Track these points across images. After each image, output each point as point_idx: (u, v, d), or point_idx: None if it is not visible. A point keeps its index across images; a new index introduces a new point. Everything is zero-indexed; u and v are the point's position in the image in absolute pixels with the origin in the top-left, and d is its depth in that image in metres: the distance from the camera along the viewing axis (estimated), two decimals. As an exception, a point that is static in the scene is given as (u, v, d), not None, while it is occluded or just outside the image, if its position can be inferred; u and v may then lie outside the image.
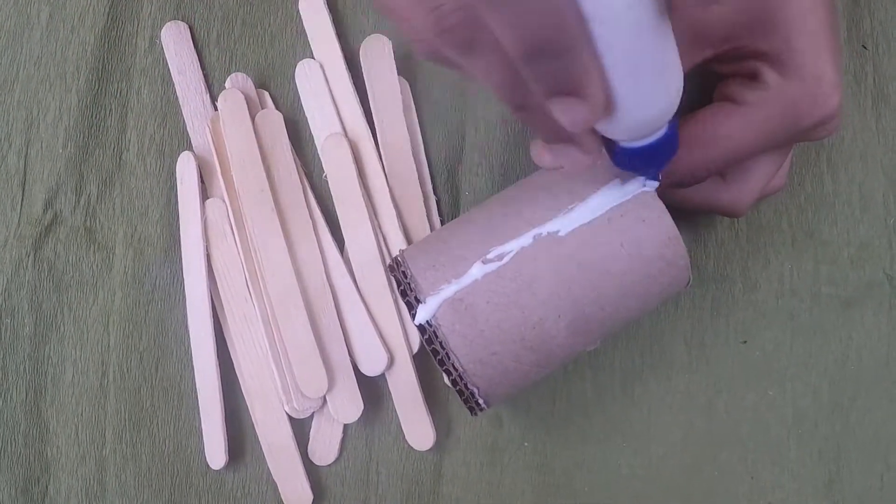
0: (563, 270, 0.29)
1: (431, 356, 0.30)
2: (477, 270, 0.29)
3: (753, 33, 0.30)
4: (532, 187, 0.31)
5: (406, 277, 0.30)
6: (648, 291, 0.30)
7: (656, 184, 0.30)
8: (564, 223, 0.29)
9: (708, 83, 0.33)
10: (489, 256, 0.29)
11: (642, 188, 0.29)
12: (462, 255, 0.29)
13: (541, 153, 0.30)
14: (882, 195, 0.39)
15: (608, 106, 0.23)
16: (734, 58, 0.31)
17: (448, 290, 0.29)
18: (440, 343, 0.29)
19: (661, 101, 0.24)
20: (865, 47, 0.39)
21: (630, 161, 0.27)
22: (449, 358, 0.29)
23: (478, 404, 0.30)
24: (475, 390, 0.30)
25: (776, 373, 0.38)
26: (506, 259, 0.29)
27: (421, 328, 0.29)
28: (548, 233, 0.29)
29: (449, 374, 0.29)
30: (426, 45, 0.21)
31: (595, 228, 0.29)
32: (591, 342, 0.31)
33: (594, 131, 0.26)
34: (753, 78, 0.30)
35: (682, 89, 0.25)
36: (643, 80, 0.22)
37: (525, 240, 0.29)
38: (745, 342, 0.38)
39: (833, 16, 0.30)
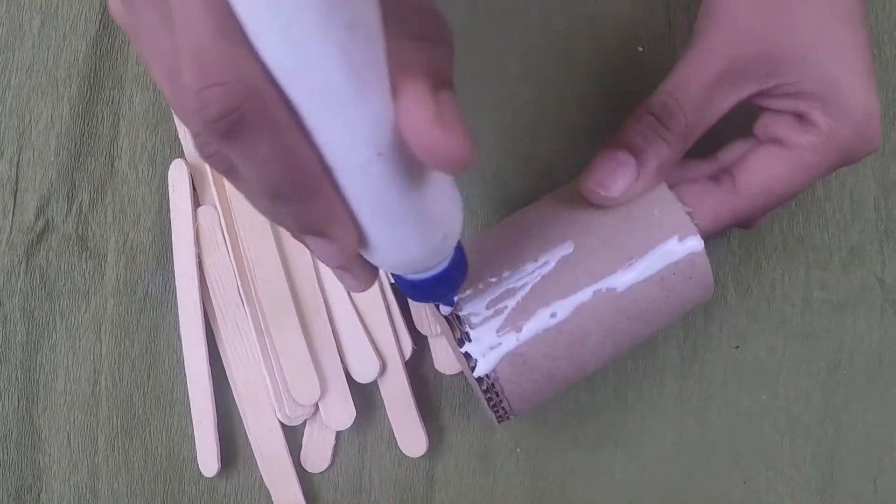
0: (615, 325, 0.30)
1: (484, 400, 0.30)
2: (539, 325, 0.29)
3: (794, 70, 0.30)
4: (588, 230, 0.30)
5: (461, 323, 0.29)
6: (673, 324, 0.32)
7: (701, 244, 0.30)
8: (622, 279, 0.29)
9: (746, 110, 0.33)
10: (551, 311, 0.29)
11: (693, 249, 0.30)
12: (524, 308, 0.29)
13: (594, 186, 0.31)
14: (873, 200, 0.39)
15: (361, 246, 0.22)
16: (779, 95, 0.31)
17: (509, 344, 0.29)
18: (496, 392, 0.29)
19: (422, 246, 0.23)
20: (856, 52, 0.40)
21: (409, 291, 0.26)
22: (501, 402, 0.30)
23: (507, 418, 0.31)
24: (512, 417, 0.31)
25: (769, 377, 0.38)
26: (566, 314, 0.29)
27: (479, 380, 0.29)
28: (607, 289, 0.29)
29: (495, 410, 0.30)
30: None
31: (649, 285, 0.29)
32: None
33: (364, 261, 0.24)
34: (801, 118, 0.30)
35: (457, 231, 0.24)
36: (398, 227, 0.21)
37: (585, 294, 0.29)
38: (738, 347, 0.38)
39: (870, 48, 0.30)
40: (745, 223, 0.32)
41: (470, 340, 0.29)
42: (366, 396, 0.38)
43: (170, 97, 0.19)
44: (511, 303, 0.29)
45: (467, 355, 0.29)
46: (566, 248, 0.30)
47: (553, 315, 0.29)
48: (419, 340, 0.38)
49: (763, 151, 0.31)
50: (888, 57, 0.39)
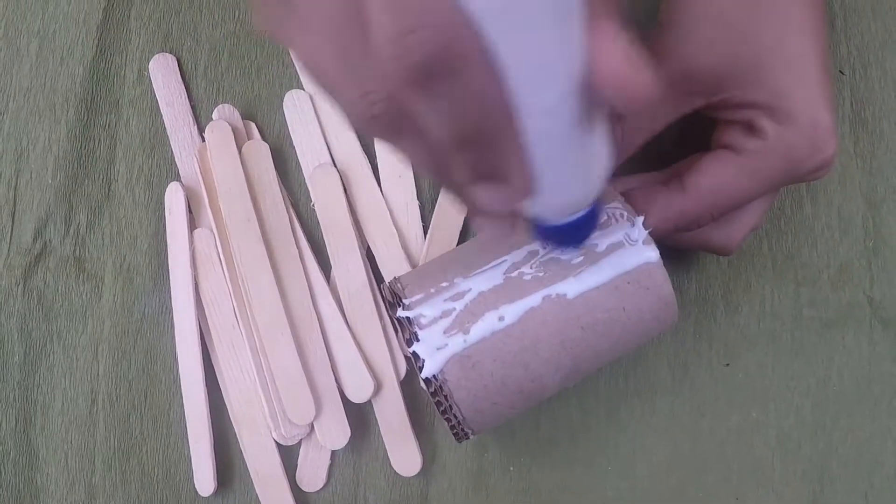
0: (568, 332, 0.29)
1: (434, 404, 0.30)
2: (486, 328, 0.29)
3: (744, 83, 0.30)
4: None
5: (411, 324, 0.30)
6: (638, 343, 0.32)
7: (656, 254, 0.30)
8: (574, 286, 0.29)
9: (705, 126, 0.33)
10: (499, 315, 0.29)
11: (648, 259, 0.30)
12: (472, 311, 0.29)
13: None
14: (861, 218, 0.39)
15: (532, 190, 0.23)
16: (728, 107, 0.31)
17: (456, 346, 0.29)
18: (444, 396, 0.29)
19: (582, 188, 0.24)
20: (842, 72, 0.40)
21: (550, 237, 0.28)
22: (451, 409, 0.29)
23: (466, 436, 0.31)
24: (469, 431, 0.31)
25: (759, 394, 0.38)
26: (515, 318, 0.29)
27: (427, 381, 0.29)
28: (557, 294, 0.29)
29: (448, 420, 0.30)
30: (356, 123, 0.21)
31: (602, 293, 0.29)
32: (577, 382, 0.32)
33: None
34: (750, 127, 0.31)
35: (606, 174, 0.25)
36: (566, 169, 0.23)
37: (534, 299, 0.29)
38: (728, 364, 0.38)
39: (827, 62, 0.31)
40: (695, 225, 0.32)
41: (418, 340, 0.29)
42: (360, 416, 0.38)
43: (326, 58, 0.19)
44: (459, 305, 0.29)
45: (415, 355, 0.29)
46: (516, 256, 0.30)
47: (501, 318, 0.29)
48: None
49: (713, 155, 0.32)
50: (873, 77, 0.40)
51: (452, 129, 0.19)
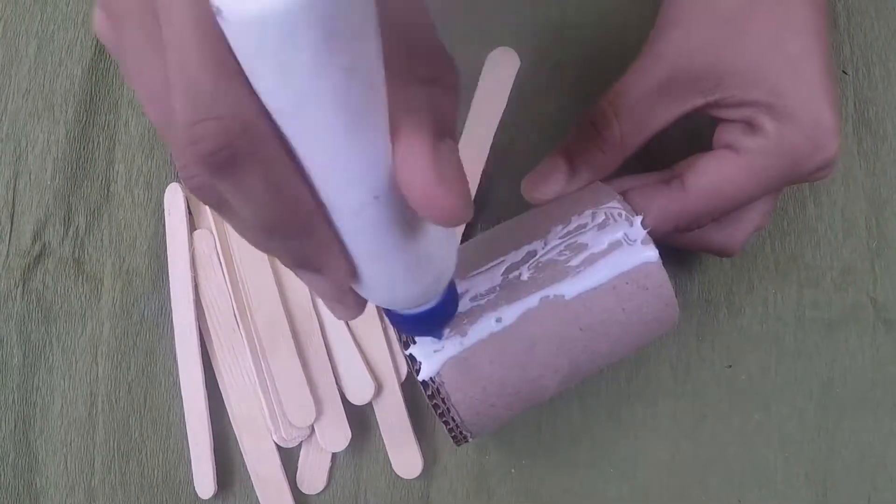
0: (566, 334, 0.29)
1: (431, 407, 0.30)
2: (484, 330, 0.29)
3: (744, 82, 0.30)
4: (538, 238, 0.31)
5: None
6: (639, 345, 0.31)
7: (655, 253, 0.30)
8: (572, 287, 0.29)
9: (705, 126, 0.33)
10: (497, 316, 0.29)
11: (647, 258, 0.29)
12: (469, 313, 0.29)
13: (529, 188, 0.31)
14: (864, 219, 0.39)
15: (354, 282, 0.22)
16: (728, 105, 0.31)
17: (453, 348, 0.29)
18: (442, 399, 0.29)
19: (413, 287, 0.23)
20: (846, 72, 0.40)
21: (399, 325, 0.27)
22: (449, 411, 0.29)
23: (465, 439, 0.31)
24: (468, 434, 0.30)
25: (762, 396, 0.38)
26: (512, 320, 0.29)
27: (424, 384, 0.29)
28: (554, 296, 0.29)
29: (446, 423, 0.30)
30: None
31: (600, 294, 0.29)
32: (577, 384, 0.32)
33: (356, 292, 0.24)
34: (750, 125, 0.30)
35: (450, 270, 0.24)
36: (390, 268, 0.21)
37: (532, 300, 0.29)
38: (731, 366, 0.38)
39: (829, 60, 0.30)
40: (695, 225, 0.32)
41: (415, 342, 0.29)
42: (361, 418, 0.38)
43: (156, 122, 0.19)
44: (459, 310, 0.29)
45: (411, 357, 0.29)
46: (515, 257, 0.30)
47: (498, 320, 0.29)
48: (414, 362, 0.38)
49: (713, 154, 0.32)
50: (876, 76, 0.40)
51: (256, 217, 0.19)
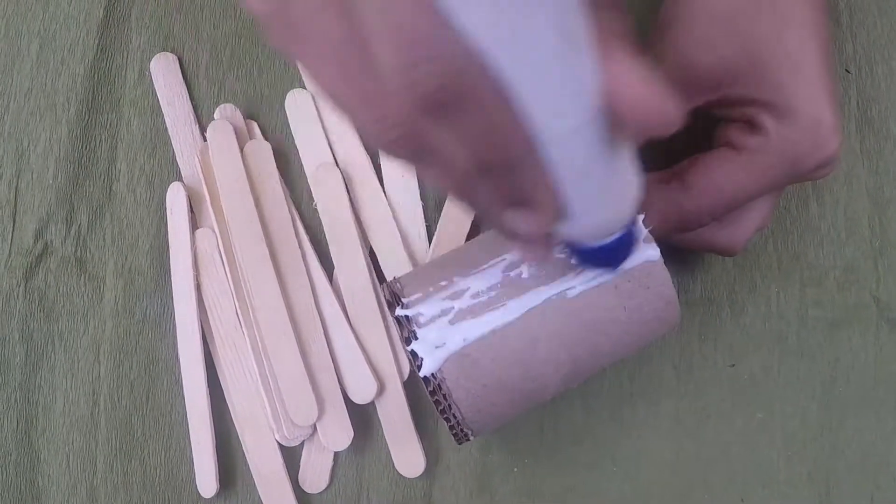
0: (567, 331, 0.29)
1: (432, 403, 0.30)
2: (485, 327, 0.29)
3: (744, 81, 0.30)
4: None
5: (409, 323, 0.30)
6: (640, 344, 0.31)
7: (657, 252, 0.30)
8: (572, 285, 0.29)
9: (708, 125, 0.33)
10: (498, 313, 0.29)
11: (648, 257, 0.29)
12: (471, 310, 0.29)
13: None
14: (867, 218, 0.39)
15: (561, 214, 0.22)
16: (729, 104, 0.31)
17: (455, 344, 0.29)
18: (443, 395, 0.29)
19: (613, 212, 0.24)
20: (848, 71, 0.40)
21: (587, 259, 0.28)
22: (450, 408, 0.29)
23: (466, 437, 0.31)
24: (469, 432, 0.30)
25: (764, 395, 0.38)
26: (513, 317, 0.29)
27: (425, 380, 0.29)
28: (556, 293, 0.29)
29: (447, 420, 0.30)
30: (375, 146, 0.21)
31: (601, 292, 0.29)
32: (579, 383, 0.32)
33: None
34: (751, 124, 0.30)
35: (638, 197, 0.25)
36: (595, 193, 0.22)
37: (533, 298, 0.29)
38: (734, 365, 0.38)
39: (829, 58, 0.30)
40: (697, 224, 0.32)
41: (416, 339, 0.29)
42: (363, 417, 0.38)
43: (336, 83, 0.19)
44: (458, 304, 0.29)
45: (413, 353, 0.29)
46: (516, 255, 0.30)
47: (500, 317, 0.29)
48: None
49: (714, 153, 0.32)
50: (879, 75, 0.40)
51: (472, 157, 0.19)
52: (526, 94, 0.18)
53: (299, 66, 0.26)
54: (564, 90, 0.19)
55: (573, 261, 0.29)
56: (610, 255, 0.27)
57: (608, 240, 0.26)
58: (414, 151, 0.20)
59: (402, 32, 0.17)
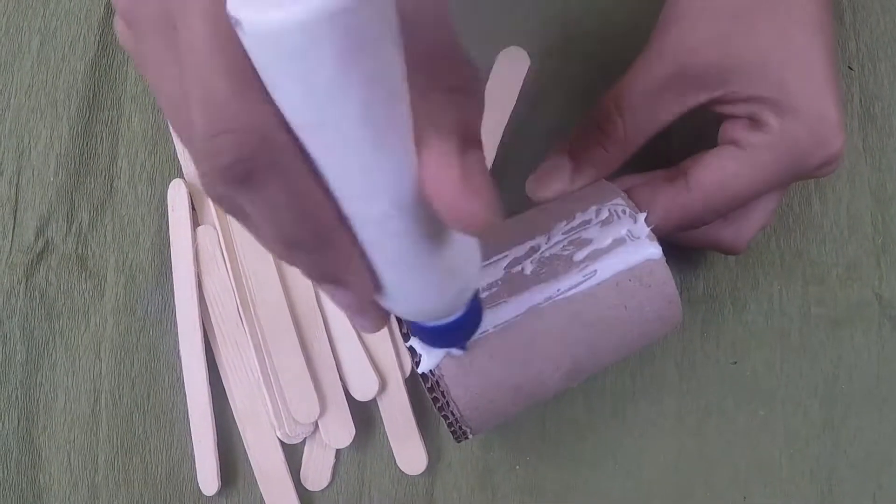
0: (568, 330, 0.29)
1: (430, 400, 0.30)
2: (485, 324, 0.28)
3: (747, 78, 0.30)
4: (541, 233, 0.31)
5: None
6: (641, 343, 0.31)
7: (659, 251, 0.29)
8: (574, 282, 0.29)
9: (709, 122, 0.33)
10: (498, 311, 0.29)
11: (650, 255, 0.29)
12: None
13: (533, 186, 0.31)
14: (870, 215, 0.39)
15: (377, 294, 0.22)
16: (732, 101, 0.31)
17: None
18: (441, 392, 0.29)
19: (439, 297, 0.22)
20: (851, 68, 0.40)
21: (423, 337, 0.27)
22: (448, 405, 0.29)
23: (465, 435, 0.30)
24: (467, 430, 0.30)
25: (767, 393, 0.38)
26: (514, 315, 0.29)
27: (423, 376, 0.29)
28: (557, 291, 0.29)
29: (446, 417, 0.30)
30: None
31: (603, 290, 0.29)
32: (580, 382, 0.32)
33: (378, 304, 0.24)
34: (754, 121, 0.30)
35: (474, 283, 0.24)
36: (414, 278, 0.21)
37: (534, 296, 0.29)
38: (736, 363, 0.38)
39: (833, 55, 0.30)
40: (700, 223, 0.32)
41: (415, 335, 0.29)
42: (365, 414, 0.38)
43: (174, 127, 0.19)
44: None
45: (412, 350, 0.29)
46: (518, 252, 0.30)
47: (500, 315, 0.29)
48: (418, 358, 0.38)
49: (717, 151, 0.31)
50: (882, 72, 0.40)
51: (276, 231, 0.19)
52: (333, 177, 0.18)
53: None
54: (374, 179, 0.18)
55: (411, 337, 0.27)
56: (443, 335, 0.25)
57: (443, 321, 0.24)
58: (232, 213, 0.19)
59: (206, 100, 0.16)
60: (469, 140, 0.18)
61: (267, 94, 0.16)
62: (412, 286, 0.21)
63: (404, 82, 0.17)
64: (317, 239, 0.19)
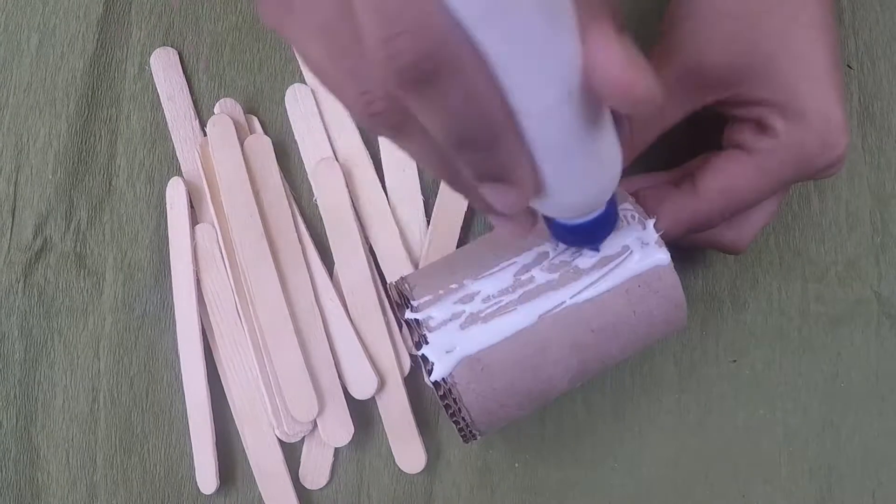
0: (577, 336, 0.29)
1: (442, 406, 0.30)
2: (496, 331, 0.29)
3: (754, 80, 0.30)
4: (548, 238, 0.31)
5: (420, 326, 0.29)
6: (647, 345, 0.31)
7: (667, 256, 0.30)
8: (583, 289, 0.29)
9: (715, 123, 0.33)
10: (509, 318, 0.29)
11: (659, 262, 0.29)
12: (481, 314, 0.29)
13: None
14: (869, 213, 0.39)
15: (539, 190, 0.22)
16: (738, 103, 0.31)
17: (465, 349, 0.29)
18: (454, 399, 0.29)
19: (592, 189, 0.24)
20: (850, 67, 0.40)
21: (567, 236, 0.28)
22: (460, 411, 0.29)
23: (474, 437, 0.31)
24: (477, 433, 0.30)
25: (766, 391, 0.38)
26: (524, 321, 0.29)
27: (436, 384, 0.29)
28: (567, 297, 0.29)
29: (457, 423, 0.30)
30: (358, 121, 0.21)
31: (612, 297, 0.29)
32: (583, 383, 0.32)
33: (530, 207, 0.25)
34: (761, 125, 0.30)
35: (619, 175, 0.25)
36: (574, 170, 0.22)
37: (544, 302, 0.29)
38: (735, 361, 0.38)
39: (837, 58, 0.30)
40: (707, 226, 0.32)
41: (427, 343, 0.29)
42: (364, 412, 0.38)
43: (325, 57, 0.19)
44: (469, 308, 0.29)
45: (424, 358, 0.29)
46: (527, 258, 0.30)
47: (510, 322, 0.29)
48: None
49: (724, 155, 0.31)
50: (881, 71, 0.40)
51: (450, 130, 0.19)
52: (506, 70, 0.18)
53: (294, 49, 0.26)
54: (544, 67, 0.19)
55: (552, 238, 0.29)
56: (589, 232, 0.27)
57: (587, 217, 0.26)
58: (395, 125, 0.20)
59: (386, 4, 0.17)
60: (620, 23, 0.19)
61: None
62: (573, 177, 0.23)
63: None
64: (490, 135, 0.19)
